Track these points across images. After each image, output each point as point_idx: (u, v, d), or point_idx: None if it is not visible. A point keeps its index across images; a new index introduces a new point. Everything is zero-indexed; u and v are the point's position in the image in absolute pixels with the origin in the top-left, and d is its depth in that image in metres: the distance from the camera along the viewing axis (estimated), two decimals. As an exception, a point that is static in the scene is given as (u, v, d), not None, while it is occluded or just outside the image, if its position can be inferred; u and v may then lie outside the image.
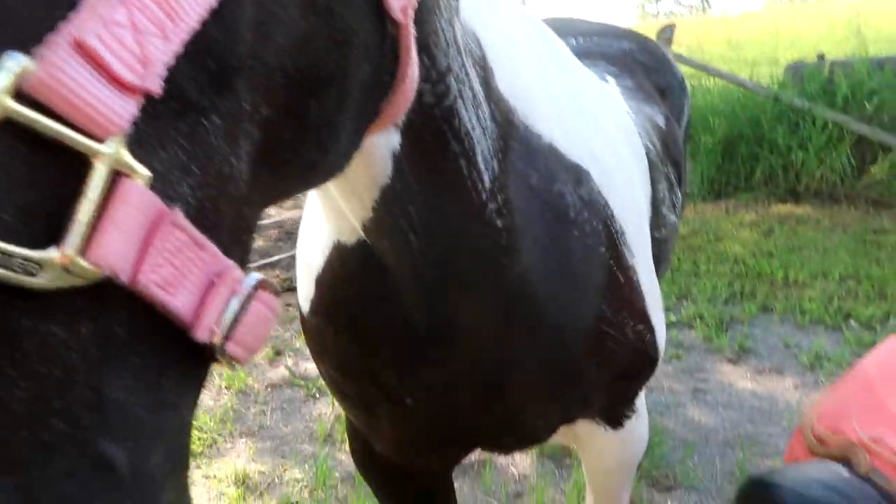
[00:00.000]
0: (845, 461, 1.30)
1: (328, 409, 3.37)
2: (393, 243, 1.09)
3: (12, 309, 0.43)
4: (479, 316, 1.20)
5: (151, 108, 0.48)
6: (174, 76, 0.49)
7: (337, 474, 2.88)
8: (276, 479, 2.93)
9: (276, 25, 0.59)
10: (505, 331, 1.22)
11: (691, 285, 4.42)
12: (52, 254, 0.43)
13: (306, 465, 2.99)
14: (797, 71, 6.66)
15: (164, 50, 0.48)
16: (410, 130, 0.98)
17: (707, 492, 2.68)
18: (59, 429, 0.44)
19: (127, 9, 0.46)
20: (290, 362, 3.84)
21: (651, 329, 1.47)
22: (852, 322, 3.97)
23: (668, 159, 1.98)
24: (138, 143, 0.47)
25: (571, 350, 1.31)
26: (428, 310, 1.17)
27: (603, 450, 1.62)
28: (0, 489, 0.42)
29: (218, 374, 3.76)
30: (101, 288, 0.46)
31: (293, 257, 1.48)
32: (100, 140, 0.45)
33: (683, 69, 3.72)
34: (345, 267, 1.21)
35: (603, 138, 1.49)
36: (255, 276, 0.57)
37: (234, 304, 0.54)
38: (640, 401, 1.59)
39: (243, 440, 3.23)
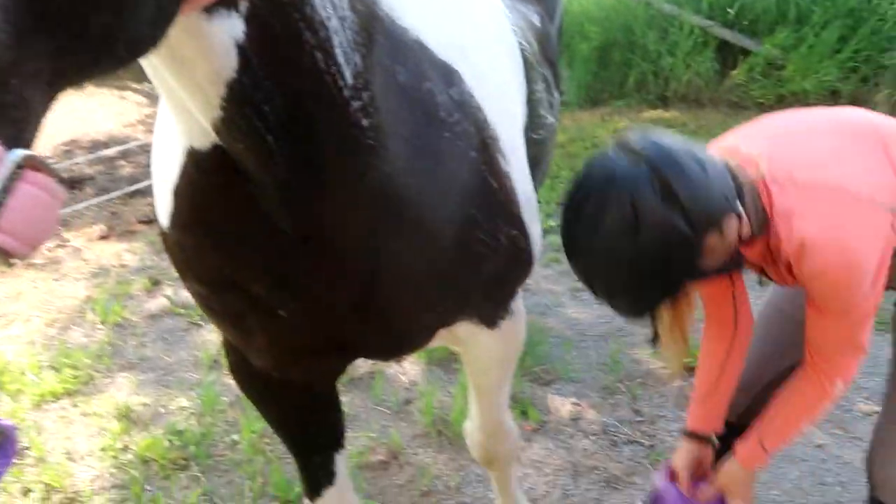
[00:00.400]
0: None
1: (213, 336, 3.28)
2: (249, 145, 1.02)
3: None
4: (346, 219, 1.16)
5: None
6: None
7: (225, 399, 2.85)
8: (162, 410, 2.86)
9: None
10: (374, 234, 1.20)
11: (569, 191, 4.57)
12: None
13: (192, 393, 2.93)
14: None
15: None
16: (255, 18, 0.90)
17: (583, 382, 2.87)
18: None
19: None
20: (169, 292, 3.69)
21: (526, 234, 1.50)
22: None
23: (543, 59, 1.96)
24: None
25: (443, 253, 1.30)
26: (293, 215, 1.13)
27: (482, 350, 1.67)
28: None
29: (91, 310, 3.57)
30: None
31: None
32: None
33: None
34: (201, 173, 1.13)
35: (476, 36, 1.44)
36: (22, 151, 0.51)
37: None
38: (517, 302, 1.64)
39: (123, 374, 3.11)
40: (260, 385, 1.59)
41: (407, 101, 1.18)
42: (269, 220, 1.14)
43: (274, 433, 1.81)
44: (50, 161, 0.63)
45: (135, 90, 7.38)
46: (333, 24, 1.00)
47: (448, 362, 2.98)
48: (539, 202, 1.59)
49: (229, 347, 1.58)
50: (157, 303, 3.66)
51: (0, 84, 0.52)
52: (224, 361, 3.04)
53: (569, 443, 2.54)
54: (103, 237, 4.42)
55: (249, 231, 1.17)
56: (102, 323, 3.49)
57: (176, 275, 1.39)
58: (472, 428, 1.97)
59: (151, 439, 2.64)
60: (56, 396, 2.93)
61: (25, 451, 2.59)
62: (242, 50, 0.91)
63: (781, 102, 5.87)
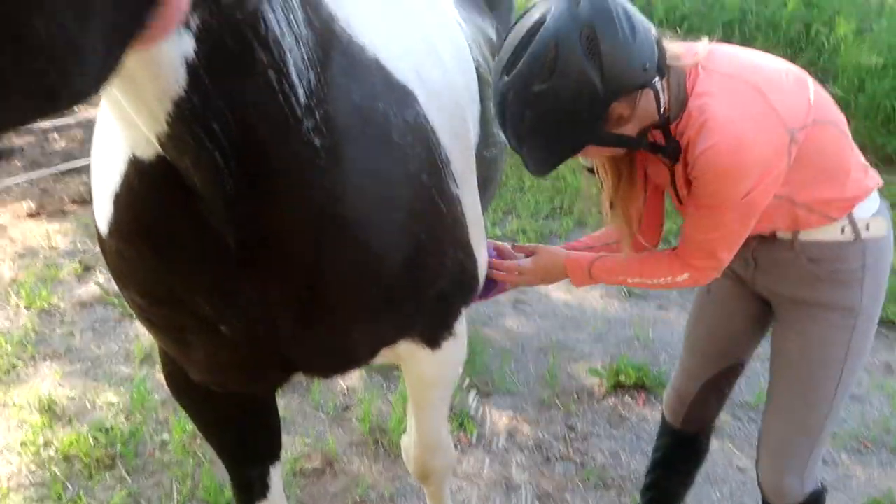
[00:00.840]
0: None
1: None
2: (195, 161, 0.99)
3: None
4: (292, 237, 1.15)
5: None
6: None
7: (157, 396, 2.77)
8: (88, 404, 2.76)
9: None
10: (319, 253, 1.19)
11: (517, 200, 4.61)
12: None
13: (122, 389, 2.83)
14: (621, -8, 6.97)
15: None
16: (207, 35, 0.87)
17: (521, 395, 2.91)
18: None
19: None
20: (101, 279, 3.56)
21: (472, 258, 1.51)
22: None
23: None
24: None
25: (388, 275, 1.30)
26: (238, 231, 1.10)
27: (423, 369, 1.67)
28: None
29: (15, 293, 3.41)
30: None
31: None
32: None
33: (517, -15, 3.71)
34: (144, 184, 1.09)
35: (432, 56, 1.44)
36: None
37: None
38: (460, 323, 1.65)
39: (48, 363, 2.98)
40: (197, 396, 1.56)
41: (360, 122, 1.17)
42: (213, 233, 1.11)
43: (207, 442, 1.78)
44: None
45: (74, 59, 7.05)
46: (288, 41, 0.98)
47: (388, 369, 2.97)
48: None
49: (165, 357, 1.54)
50: (88, 290, 3.52)
51: None
52: (157, 357, 2.97)
53: (504, 457, 2.57)
54: (32, 215, 4.22)
55: (192, 244, 1.14)
56: (27, 307, 3.34)
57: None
58: (409, 443, 1.98)
59: (76, 435, 2.55)
60: (-27, 384, 2.80)
61: (-63, 442, 2.47)
62: (192, 68, 0.89)
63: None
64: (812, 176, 1.46)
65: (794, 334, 1.61)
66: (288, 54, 0.98)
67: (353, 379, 2.95)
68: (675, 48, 1.45)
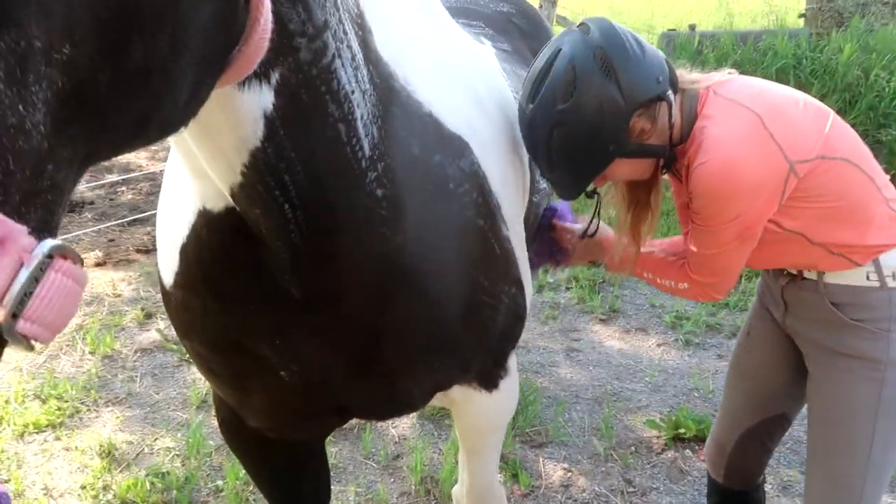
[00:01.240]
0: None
1: (203, 375, 3.25)
2: (265, 211, 1.03)
3: None
4: (355, 286, 1.17)
5: None
6: None
7: (211, 442, 2.80)
8: (146, 449, 2.81)
9: None
10: (382, 302, 1.21)
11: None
12: None
13: (178, 434, 2.88)
14: (671, 40, 6.98)
15: None
16: (285, 89, 0.92)
17: (575, 446, 2.83)
18: None
19: None
20: (162, 325, 3.66)
21: (522, 291, 1.53)
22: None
23: None
24: None
25: (449, 320, 1.32)
26: (303, 281, 1.13)
27: (478, 411, 1.66)
28: None
29: (81, 339, 3.53)
30: None
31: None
32: None
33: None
34: (213, 235, 1.14)
35: (481, 108, 1.48)
36: (52, 243, 0.51)
37: (24, 276, 0.49)
38: (512, 361, 1.65)
39: (109, 409, 3.06)
40: (250, 443, 1.58)
41: (419, 173, 1.21)
42: (277, 281, 1.14)
43: (258, 489, 1.78)
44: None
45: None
46: (356, 96, 1.03)
47: (440, 418, 2.94)
48: None
49: (220, 404, 1.57)
50: (149, 336, 3.62)
51: (35, 172, 0.52)
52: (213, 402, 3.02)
53: (558, 510, 2.50)
54: (99, 264, 4.40)
55: (257, 292, 1.17)
56: (92, 353, 3.45)
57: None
58: (461, 493, 1.95)
59: (133, 480, 2.59)
60: (39, 428, 2.88)
61: (4, 483, 2.54)
62: (269, 120, 0.93)
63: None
64: (821, 214, 1.43)
65: (821, 384, 1.55)
66: (356, 108, 1.03)
67: (405, 427, 2.93)
68: (694, 75, 1.54)
